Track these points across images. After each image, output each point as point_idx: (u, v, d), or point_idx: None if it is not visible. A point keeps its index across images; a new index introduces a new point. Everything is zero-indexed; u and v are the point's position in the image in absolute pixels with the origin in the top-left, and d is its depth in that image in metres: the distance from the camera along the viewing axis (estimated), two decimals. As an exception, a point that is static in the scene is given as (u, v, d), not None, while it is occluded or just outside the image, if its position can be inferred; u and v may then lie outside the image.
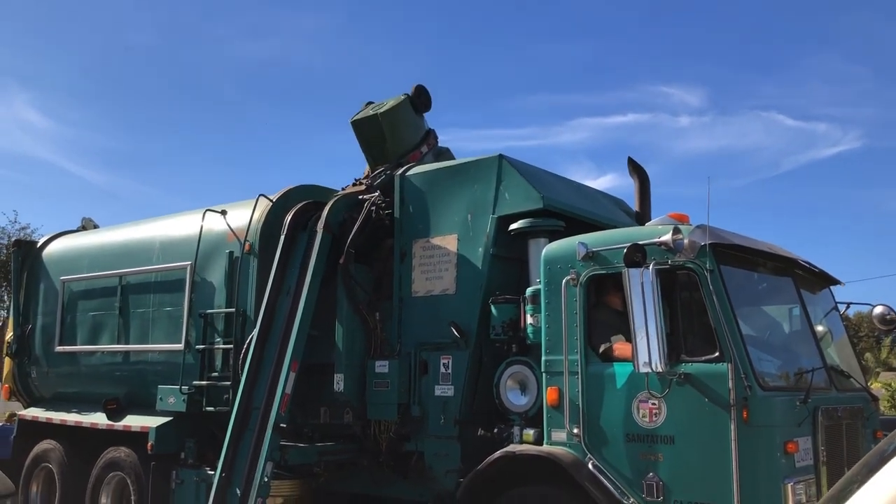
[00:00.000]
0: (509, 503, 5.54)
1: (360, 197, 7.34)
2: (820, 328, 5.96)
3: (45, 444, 9.07)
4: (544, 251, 5.85)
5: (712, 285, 5.01)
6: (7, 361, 9.95)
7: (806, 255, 6.11)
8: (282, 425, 6.39)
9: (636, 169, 7.38)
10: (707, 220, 5.13)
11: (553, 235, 6.17)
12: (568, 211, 6.45)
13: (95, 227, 10.28)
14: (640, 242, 5.08)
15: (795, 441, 4.84)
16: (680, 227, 5.21)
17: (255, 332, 6.90)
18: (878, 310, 6.15)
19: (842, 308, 6.48)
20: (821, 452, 5.04)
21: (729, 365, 4.83)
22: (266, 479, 6.22)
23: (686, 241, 5.07)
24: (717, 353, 4.93)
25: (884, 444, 2.88)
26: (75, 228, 10.30)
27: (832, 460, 5.15)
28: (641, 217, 7.28)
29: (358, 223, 7.01)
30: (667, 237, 5.09)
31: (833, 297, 6.50)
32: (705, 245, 5.06)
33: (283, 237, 7.13)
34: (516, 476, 5.61)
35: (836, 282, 6.47)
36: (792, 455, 4.81)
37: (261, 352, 6.81)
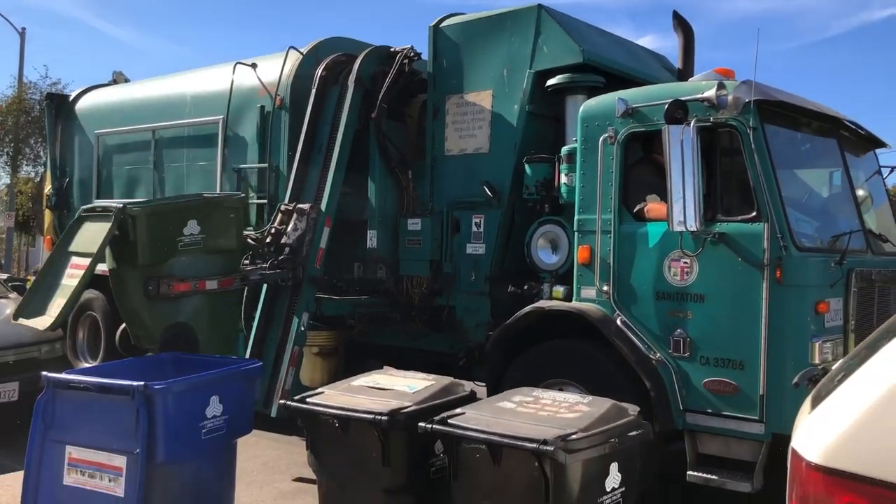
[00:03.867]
0: (538, 355, 5.66)
1: (392, 49, 7.14)
2: (861, 192, 5.83)
3: (89, 294, 9.37)
4: (582, 108, 5.70)
5: (754, 144, 4.86)
6: (47, 214, 10.19)
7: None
8: (316, 278, 6.53)
9: (681, 24, 7.01)
10: (753, 76, 4.92)
11: (592, 92, 5.99)
12: (609, 66, 6.23)
13: (126, 80, 10.21)
14: (683, 98, 4.92)
15: (827, 301, 4.83)
16: (725, 82, 5.02)
17: (289, 188, 6.92)
18: (924, 175, 5.98)
19: (885, 172, 6.32)
20: (850, 314, 5.05)
21: (765, 224, 4.77)
22: (302, 329, 6.42)
23: (730, 97, 4.89)
24: (753, 213, 4.86)
25: None
26: (106, 83, 10.24)
27: (861, 322, 5.17)
28: (684, 74, 6.99)
29: (390, 77, 6.86)
30: (710, 93, 4.91)
31: (878, 160, 6.31)
32: (750, 101, 4.88)
33: (313, 91, 7.02)
34: (545, 331, 5.72)
35: (882, 144, 6.26)
36: (822, 315, 4.82)
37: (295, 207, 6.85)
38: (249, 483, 5.84)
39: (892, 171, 6.39)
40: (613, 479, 3.45)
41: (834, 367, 2.87)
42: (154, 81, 9.35)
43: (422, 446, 3.90)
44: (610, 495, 3.43)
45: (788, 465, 2.26)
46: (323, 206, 6.70)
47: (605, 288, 5.39)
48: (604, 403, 3.72)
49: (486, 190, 6.36)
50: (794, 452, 2.14)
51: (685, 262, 5.06)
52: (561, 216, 6.00)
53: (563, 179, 5.85)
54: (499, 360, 5.88)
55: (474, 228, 6.53)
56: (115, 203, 5.25)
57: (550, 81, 6.13)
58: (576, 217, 5.63)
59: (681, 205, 4.72)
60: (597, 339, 5.39)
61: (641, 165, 5.54)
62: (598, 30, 6.83)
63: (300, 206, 6.56)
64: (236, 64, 7.84)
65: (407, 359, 7.41)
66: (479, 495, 3.49)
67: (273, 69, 7.57)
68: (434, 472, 4.02)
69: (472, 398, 4.24)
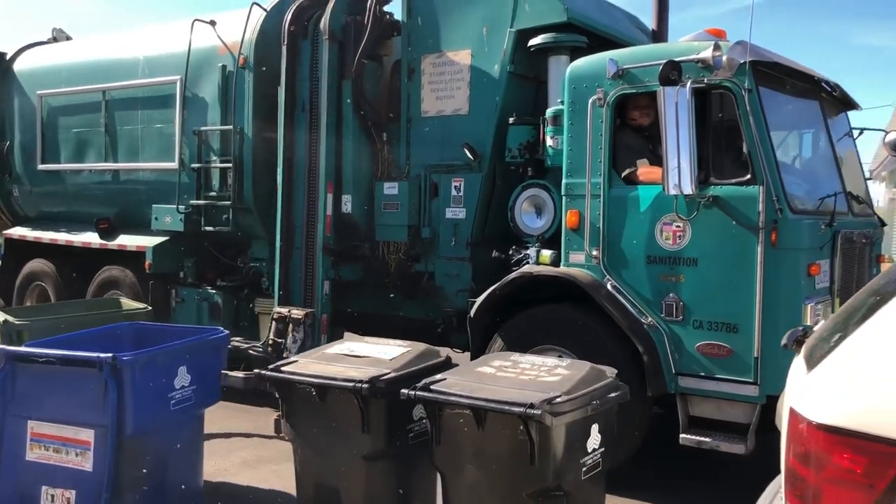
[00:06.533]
0: (526, 321, 5.58)
1: None
2: (838, 153, 5.89)
3: (36, 263, 8.96)
4: (570, 69, 5.56)
5: (749, 105, 4.83)
6: (-13, 179, 9.59)
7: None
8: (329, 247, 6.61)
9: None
10: (749, 36, 4.87)
11: (574, 53, 5.86)
12: (591, 26, 6.09)
13: (68, 38, 9.61)
14: (677, 59, 4.83)
15: (818, 263, 4.89)
16: (719, 43, 4.95)
17: (280, 150, 6.75)
18: (892, 136, 6.07)
19: (855, 133, 6.40)
20: (837, 275, 5.13)
21: (761, 187, 4.77)
22: (326, 297, 6.58)
23: (725, 57, 4.83)
24: (748, 176, 4.85)
25: None
26: (45, 40, 9.63)
27: (845, 282, 5.26)
28: (658, 36, 6.97)
29: (368, 30, 6.57)
30: (706, 53, 4.84)
31: (849, 121, 6.39)
32: (745, 63, 4.83)
33: (284, 48, 6.71)
34: (531, 297, 5.65)
35: (854, 106, 6.33)
36: (813, 277, 4.87)
37: (290, 172, 6.71)
38: (211, 453, 5.67)
39: (861, 133, 6.48)
40: (594, 440, 3.55)
41: (819, 328, 2.88)
42: (102, 39, 8.83)
43: (401, 412, 3.94)
44: (591, 455, 3.52)
45: (784, 425, 2.27)
46: (322, 171, 6.60)
47: (595, 253, 5.33)
48: (583, 366, 3.78)
49: (467, 152, 6.20)
50: (794, 412, 2.13)
51: (678, 226, 5.03)
52: (545, 179, 5.91)
53: (549, 142, 5.74)
54: (485, 326, 5.79)
55: (454, 192, 6.38)
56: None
57: (533, 41, 5.97)
58: (563, 181, 5.53)
59: (676, 168, 4.67)
60: (586, 305, 5.34)
61: (631, 128, 5.46)
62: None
63: (294, 313, 6.40)
64: (194, 21, 7.45)
65: (380, 326, 7.29)
66: (463, 460, 3.53)
67: (234, 27, 7.22)
68: (412, 437, 4.06)
69: (448, 364, 4.26)
